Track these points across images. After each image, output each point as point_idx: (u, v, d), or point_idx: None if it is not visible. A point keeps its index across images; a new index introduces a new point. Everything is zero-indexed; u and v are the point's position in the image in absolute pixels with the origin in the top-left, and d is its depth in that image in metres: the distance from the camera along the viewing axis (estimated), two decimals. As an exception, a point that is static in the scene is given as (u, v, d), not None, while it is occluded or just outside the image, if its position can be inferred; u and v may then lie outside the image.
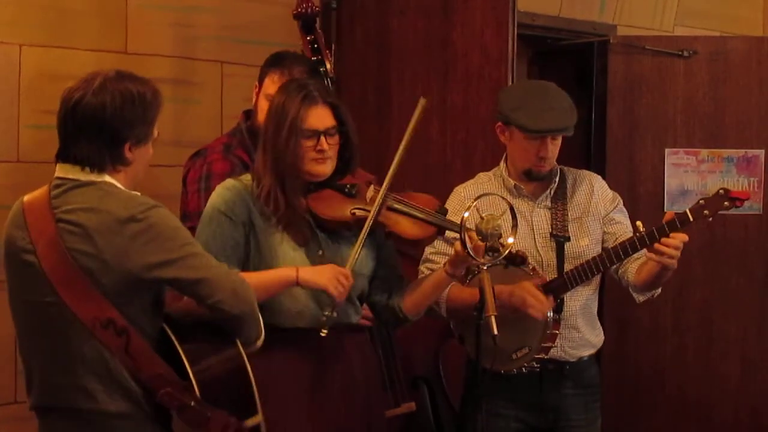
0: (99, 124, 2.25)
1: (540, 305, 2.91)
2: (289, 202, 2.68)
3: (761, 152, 4.69)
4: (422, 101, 2.77)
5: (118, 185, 2.29)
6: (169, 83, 3.97)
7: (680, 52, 4.69)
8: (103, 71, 2.32)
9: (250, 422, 2.31)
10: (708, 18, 5.47)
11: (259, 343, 2.40)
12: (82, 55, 3.80)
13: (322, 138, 2.69)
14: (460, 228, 2.60)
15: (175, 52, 4.02)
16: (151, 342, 2.27)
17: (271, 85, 3.18)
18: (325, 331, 2.60)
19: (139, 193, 2.33)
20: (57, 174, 2.31)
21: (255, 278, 2.52)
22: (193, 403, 2.21)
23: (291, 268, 2.63)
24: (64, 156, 2.30)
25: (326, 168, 2.72)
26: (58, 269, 2.21)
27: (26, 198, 2.35)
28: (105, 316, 2.20)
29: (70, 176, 2.27)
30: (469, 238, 2.62)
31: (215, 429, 2.23)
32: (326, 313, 2.61)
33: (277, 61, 3.26)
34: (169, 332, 2.29)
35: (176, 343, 2.27)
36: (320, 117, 2.70)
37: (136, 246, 2.19)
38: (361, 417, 2.80)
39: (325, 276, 2.61)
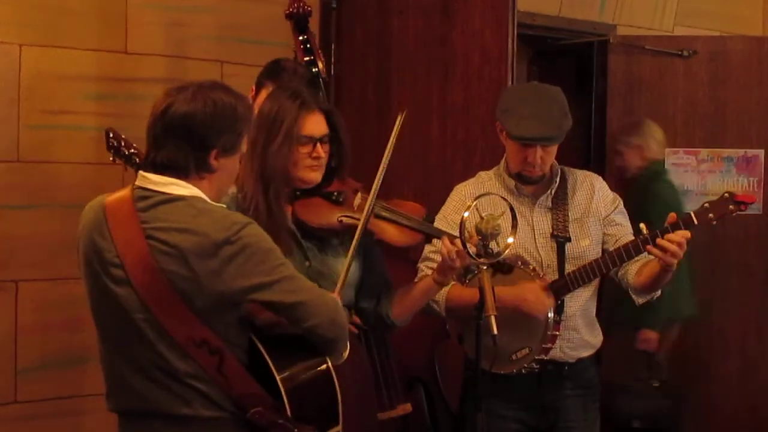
0: (188, 129, 2.22)
1: (541, 303, 2.90)
2: (270, 210, 2.64)
3: (761, 152, 4.70)
4: (401, 115, 2.75)
5: (207, 199, 2.25)
6: (168, 83, 3.94)
7: (680, 52, 4.70)
8: (197, 81, 2.31)
9: None
10: (708, 18, 5.47)
11: (346, 354, 2.39)
12: (82, 55, 3.80)
13: (318, 145, 2.68)
14: (460, 228, 2.60)
15: (175, 51, 4.03)
16: (243, 357, 2.27)
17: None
18: None
19: (225, 207, 2.31)
20: (140, 183, 2.26)
21: None
22: (281, 421, 2.23)
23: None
24: (149, 164, 2.27)
25: (318, 175, 2.70)
26: (151, 288, 2.18)
27: (108, 202, 2.28)
28: (199, 337, 2.19)
29: (157, 188, 2.23)
30: (453, 243, 2.63)
31: None
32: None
33: (275, 74, 3.24)
34: (261, 347, 2.29)
35: (268, 359, 2.27)
36: (316, 124, 2.69)
37: (232, 269, 2.17)
38: (356, 419, 2.79)
39: None
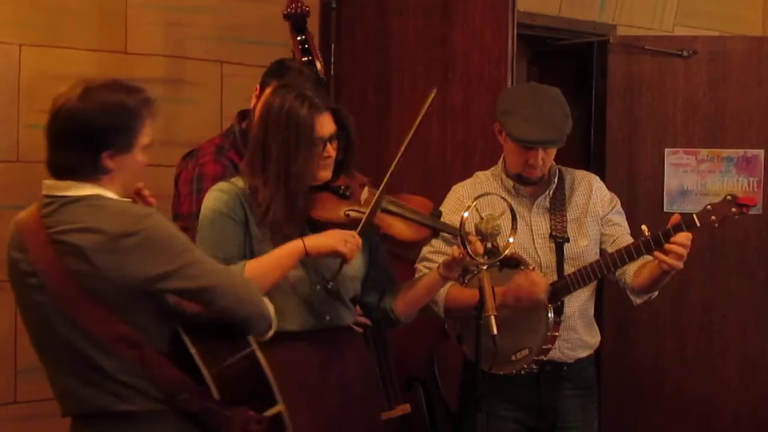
0: (77, 131, 2.23)
1: (535, 284, 2.90)
2: (291, 215, 2.65)
3: (761, 152, 4.69)
4: (433, 92, 2.75)
5: (108, 194, 2.27)
6: (168, 83, 3.97)
7: (680, 52, 4.69)
8: (90, 79, 2.30)
9: (270, 412, 2.33)
10: (708, 18, 5.46)
11: (271, 332, 2.41)
12: (81, 55, 3.80)
13: (329, 145, 2.69)
14: (460, 228, 2.60)
15: (175, 52, 4.03)
16: (165, 347, 2.28)
17: None
18: (332, 285, 2.65)
19: (129, 201, 2.32)
20: (43, 192, 2.29)
21: (265, 260, 2.56)
22: (211, 405, 2.24)
23: (297, 240, 2.61)
24: (49, 167, 2.29)
25: (329, 173, 2.72)
26: (64, 291, 2.21)
27: (19, 217, 2.34)
28: (116, 332, 2.21)
29: (58, 193, 2.26)
30: (468, 240, 2.62)
31: (236, 426, 2.25)
32: (339, 266, 2.63)
33: (280, 73, 3.23)
34: (183, 334, 2.29)
35: (189, 344, 2.27)
36: (326, 125, 2.69)
37: (134, 261, 2.19)
38: (357, 418, 2.80)
39: (332, 238, 2.61)
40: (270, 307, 2.40)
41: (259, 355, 2.35)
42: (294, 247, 2.60)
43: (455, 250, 2.67)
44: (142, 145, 2.31)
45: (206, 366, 2.26)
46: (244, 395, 2.29)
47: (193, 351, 2.26)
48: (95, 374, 2.24)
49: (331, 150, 2.68)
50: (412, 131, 2.72)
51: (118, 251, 2.18)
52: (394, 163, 2.71)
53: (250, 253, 2.67)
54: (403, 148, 2.73)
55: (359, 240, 2.63)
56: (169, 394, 2.25)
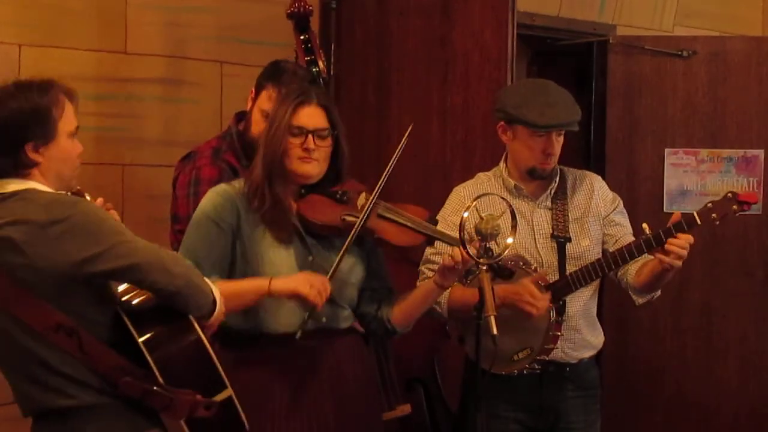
0: None
1: (535, 302, 2.90)
2: (275, 199, 2.68)
3: (761, 152, 4.69)
4: (410, 128, 2.77)
5: (41, 188, 2.31)
6: (168, 83, 3.97)
7: (680, 52, 4.69)
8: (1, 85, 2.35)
9: (220, 397, 2.32)
10: (707, 18, 5.47)
11: (216, 314, 2.40)
12: (81, 55, 3.80)
13: (310, 137, 2.68)
14: (459, 228, 2.60)
15: (175, 52, 4.03)
16: (106, 334, 2.29)
17: (267, 101, 3.18)
18: (299, 334, 2.61)
19: (63, 193, 2.35)
20: None
21: (228, 287, 2.55)
22: (155, 388, 2.24)
23: (264, 278, 2.62)
24: None
25: (312, 169, 2.71)
26: (0, 286, 2.24)
27: None
28: (53, 322, 2.23)
29: None
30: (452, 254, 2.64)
31: (183, 409, 2.25)
32: (306, 317, 2.62)
33: (275, 76, 3.24)
34: (126, 321, 2.30)
35: (133, 331, 2.28)
36: (311, 116, 2.70)
37: (62, 246, 2.21)
38: (356, 418, 2.79)
39: (297, 281, 2.60)
40: (212, 287, 2.40)
41: (202, 337, 2.34)
42: (258, 285, 2.61)
43: (446, 258, 2.67)
44: (66, 132, 2.34)
45: (149, 351, 2.26)
46: (190, 381, 2.29)
47: (136, 336, 2.27)
48: (40, 370, 2.26)
49: (311, 143, 2.68)
50: (394, 158, 2.73)
51: (48, 239, 2.21)
52: (386, 170, 2.71)
53: (242, 259, 2.67)
54: (395, 157, 2.73)
55: (328, 287, 2.61)
56: (111, 382, 2.26)
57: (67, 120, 2.34)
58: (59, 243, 2.21)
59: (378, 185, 2.71)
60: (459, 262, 2.63)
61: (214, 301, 2.39)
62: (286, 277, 2.62)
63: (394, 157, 2.73)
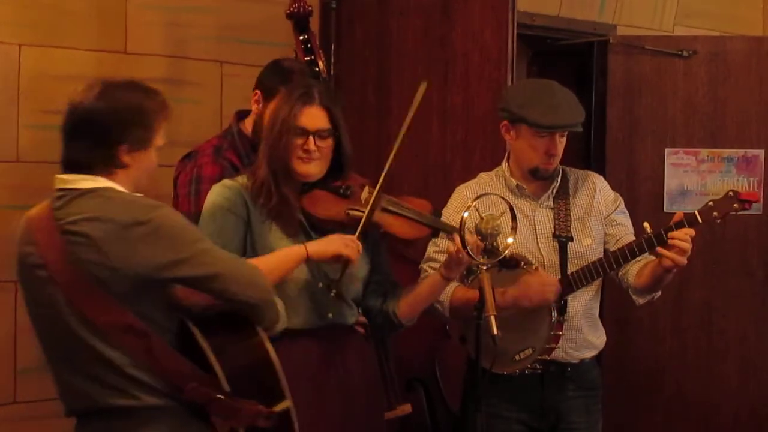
0: (93, 126, 2.28)
1: (548, 286, 2.91)
2: (280, 194, 2.70)
3: (761, 152, 4.69)
4: (423, 85, 2.76)
5: (119, 188, 2.30)
6: (168, 83, 3.97)
7: (680, 52, 4.69)
8: (107, 79, 2.35)
9: (279, 408, 2.33)
10: (707, 18, 5.46)
11: (280, 325, 2.43)
12: (81, 55, 3.80)
13: (311, 138, 2.69)
14: (460, 228, 2.60)
15: (175, 52, 4.02)
16: (172, 338, 2.29)
17: None
18: (334, 292, 2.65)
19: (141, 195, 2.34)
20: (56, 186, 2.32)
21: (267, 260, 2.57)
22: (220, 396, 2.24)
23: (299, 245, 2.64)
24: (63, 162, 2.33)
25: (312, 169, 2.72)
26: (71, 281, 2.23)
27: (29, 213, 2.36)
28: (123, 323, 2.22)
29: (69, 186, 2.29)
30: (466, 239, 2.63)
31: (245, 419, 2.26)
32: (341, 273, 2.64)
33: (286, 79, 3.22)
34: (192, 327, 2.30)
35: (199, 337, 2.28)
36: (313, 117, 2.71)
37: (144, 249, 2.21)
38: (360, 415, 2.80)
39: (333, 243, 2.64)
40: (279, 302, 2.42)
41: (268, 347, 2.35)
42: (296, 251, 2.63)
43: (450, 246, 2.68)
44: (157, 145, 2.36)
45: (216, 358, 2.26)
46: (252, 390, 2.30)
47: (203, 343, 2.27)
48: (101, 368, 2.24)
49: (312, 144, 2.69)
50: (405, 127, 2.74)
51: (129, 240, 2.20)
52: (389, 159, 2.72)
53: (252, 251, 2.68)
54: (398, 143, 2.73)
55: (359, 244, 2.64)
56: (176, 386, 2.25)
57: (161, 134, 2.37)
58: (140, 245, 2.20)
59: (382, 177, 2.71)
60: (461, 250, 2.63)
61: (280, 315, 2.42)
62: (319, 241, 2.65)
63: (405, 123, 2.72)
